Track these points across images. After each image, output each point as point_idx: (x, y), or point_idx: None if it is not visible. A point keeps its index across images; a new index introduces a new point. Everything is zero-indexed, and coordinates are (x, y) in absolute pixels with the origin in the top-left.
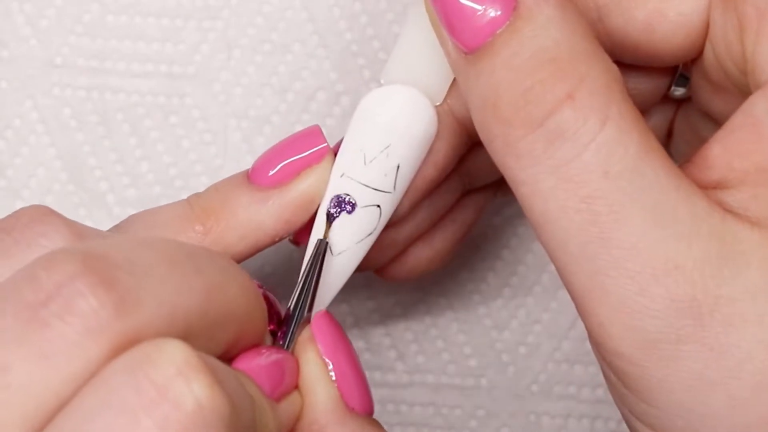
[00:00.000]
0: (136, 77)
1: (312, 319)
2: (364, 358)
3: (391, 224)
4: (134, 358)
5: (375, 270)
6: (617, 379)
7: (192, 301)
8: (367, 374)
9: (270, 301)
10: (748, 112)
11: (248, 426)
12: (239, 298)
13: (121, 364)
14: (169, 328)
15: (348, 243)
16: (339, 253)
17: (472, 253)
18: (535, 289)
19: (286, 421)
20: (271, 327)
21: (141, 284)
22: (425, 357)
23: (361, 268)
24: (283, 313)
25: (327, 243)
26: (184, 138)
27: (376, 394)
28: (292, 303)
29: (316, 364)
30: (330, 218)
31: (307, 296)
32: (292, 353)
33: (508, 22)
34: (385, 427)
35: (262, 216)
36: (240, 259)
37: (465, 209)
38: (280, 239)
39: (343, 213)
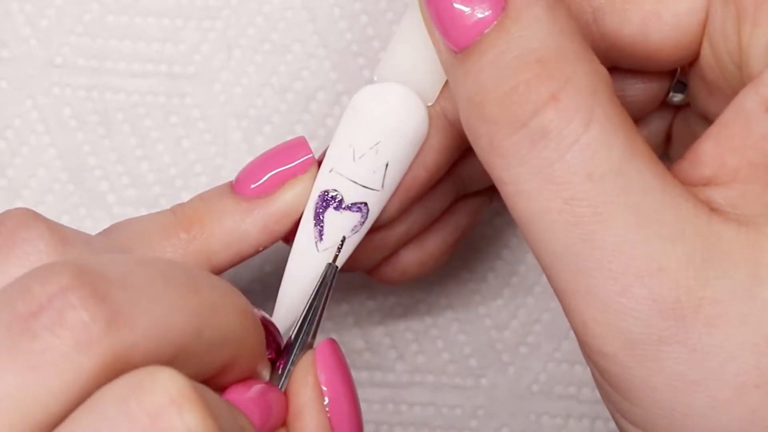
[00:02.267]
0: (136, 77)
1: (317, 347)
2: (365, 358)
3: (382, 225)
4: (127, 385)
5: (366, 271)
6: (601, 377)
7: (186, 320)
8: (367, 374)
9: (270, 329)
10: (740, 107)
11: None
12: (235, 321)
13: (114, 390)
14: (160, 347)
15: (333, 239)
16: (324, 249)
17: (472, 253)
18: (535, 289)
19: None
20: (270, 356)
21: (134, 300)
22: (425, 357)
23: (351, 268)
24: (283, 342)
25: (337, 268)
26: (184, 138)
27: (376, 394)
28: (293, 332)
29: (311, 390)
30: (343, 241)
31: (311, 325)
32: (286, 384)
33: (496, 22)
34: (385, 427)
35: (247, 225)
36: (223, 268)
37: (459, 214)
38: (264, 248)
39: (330, 208)
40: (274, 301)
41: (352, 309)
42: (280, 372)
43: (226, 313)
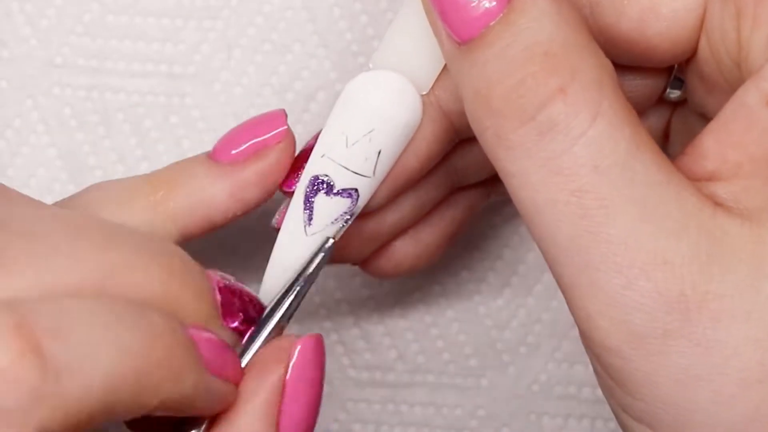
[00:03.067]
0: (136, 77)
1: (303, 338)
2: (365, 358)
3: (373, 213)
4: None
5: (361, 264)
6: (604, 371)
7: (86, 273)
8: (367, 374)
9: (238, 298)
10: (741, 102)
11: (122, 368)
12: (155, 280)
13: None
14: (49, 295)
15: (322, 224)
16: (312, 234)
17: (472, 252)
18: (535, 289)
19: (215, 390)
20: (237, 327)
21: (31, 249)
22: (425, 357)
23: (345, 260)
24: (257, 314)
25: (334, 243)
26: (184, 138)
27: (376, 394)
28: (269, 307)
29: (271, 383)
30: (345, 221)
31: (292, 304)
32: (249, 359)
33: (502, 14)
34: (385, 427)
35: (215, 190)
36: (191, 233)
37: (454, 207)
38: (234, 216)
39: (320, 193)
40: None
41: (352, 308)
42: (243, 344)
43: (141, 271)
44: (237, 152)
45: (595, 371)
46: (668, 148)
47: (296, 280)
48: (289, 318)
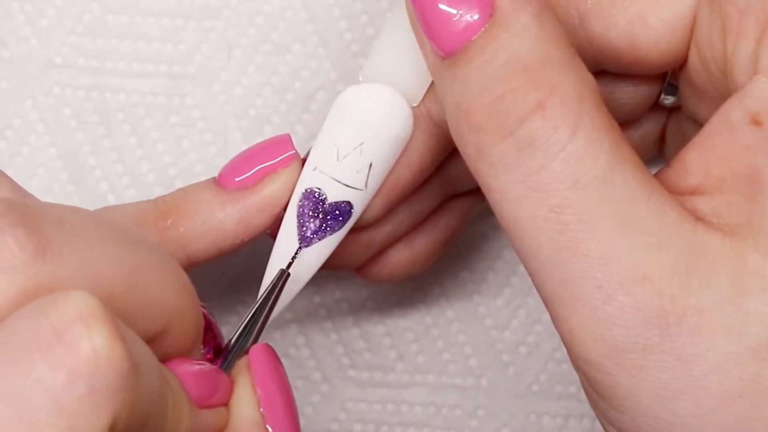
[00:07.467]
0: (136, 77)
1: (250, 350)
2: (365, 358)
3: (368, 224)
4: (40, 303)
5: (355, 270)
6: (589, 385)
7: (118, 271)
8: (367, 374)
9: (210, 325)
10: (724, 118)
11: (153, 396)
12: (171, 288)
13: (27, 309)
14: (89, 289)
15: (316, 238)
16: (307, 247)
17: (472, 253)
18: (535, 289)
19: (204, 427)
20: (208, 356)
21: (67, 239)
22: (425, 357)
23: (339, 267)
24: (223, 344)
25: (288, 275)
26: (184, 138)
27: (376, 394)
28: (234, 336)
29: (244, 387)
30: (299, 248)
31: (253, 330)
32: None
33: (483, 29)
34: (385, 427)
35: (224, 216)
36: (201, 259)
37: (448, 214)
38: (242, 242)
39: (313, 207)
40: None
41: (352, 309)
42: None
43: (161, 277)
44: (245, 178)
45: (581, 383)
46: (664, 152)
47: (256, 311)
48: (255, 341)
